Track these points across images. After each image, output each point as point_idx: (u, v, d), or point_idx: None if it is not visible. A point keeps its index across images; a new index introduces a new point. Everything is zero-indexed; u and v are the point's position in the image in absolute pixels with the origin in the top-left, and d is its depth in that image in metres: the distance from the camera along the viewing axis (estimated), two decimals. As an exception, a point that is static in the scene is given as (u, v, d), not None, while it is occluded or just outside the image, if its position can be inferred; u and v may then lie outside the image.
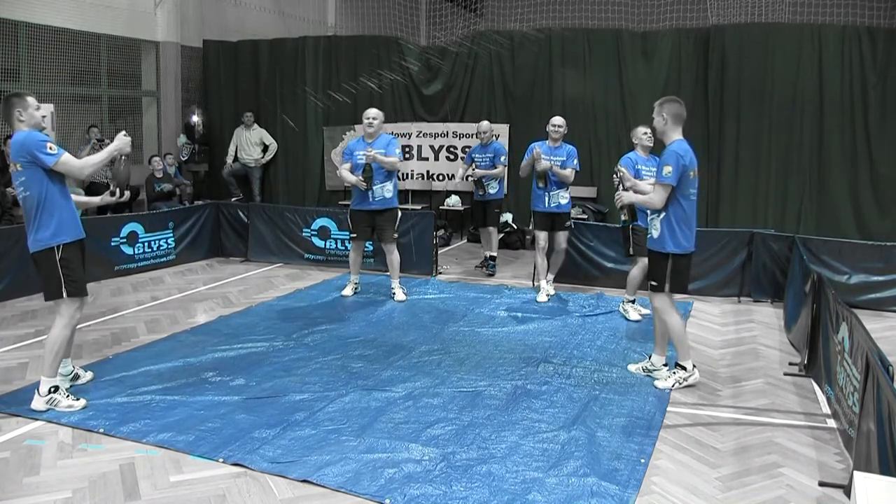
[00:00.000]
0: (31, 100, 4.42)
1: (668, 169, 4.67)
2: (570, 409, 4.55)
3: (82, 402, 4.46)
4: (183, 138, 11.63)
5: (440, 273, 8.43)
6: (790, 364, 5.50)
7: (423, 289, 7.68)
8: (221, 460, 3.83)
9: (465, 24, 12.23)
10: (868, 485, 2.36)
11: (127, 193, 4.97)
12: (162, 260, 8.69)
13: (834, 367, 4.51)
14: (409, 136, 11.23)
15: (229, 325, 6.35)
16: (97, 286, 7.49)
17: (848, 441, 3.96)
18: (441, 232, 10.14)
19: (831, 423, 4.42)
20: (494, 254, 8.52)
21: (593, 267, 7.94)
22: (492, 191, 8.28)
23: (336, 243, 8.71)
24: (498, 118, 10.43)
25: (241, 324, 6.38)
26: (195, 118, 11.75)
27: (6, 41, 9.23)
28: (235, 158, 11.63)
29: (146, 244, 8.49)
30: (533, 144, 7.20)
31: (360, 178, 6.92)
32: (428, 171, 11.27)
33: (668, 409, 4.61)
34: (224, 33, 12.25)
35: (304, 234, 8.87)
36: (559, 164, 7.05)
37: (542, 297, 7.24)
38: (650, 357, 5.26)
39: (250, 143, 11.56)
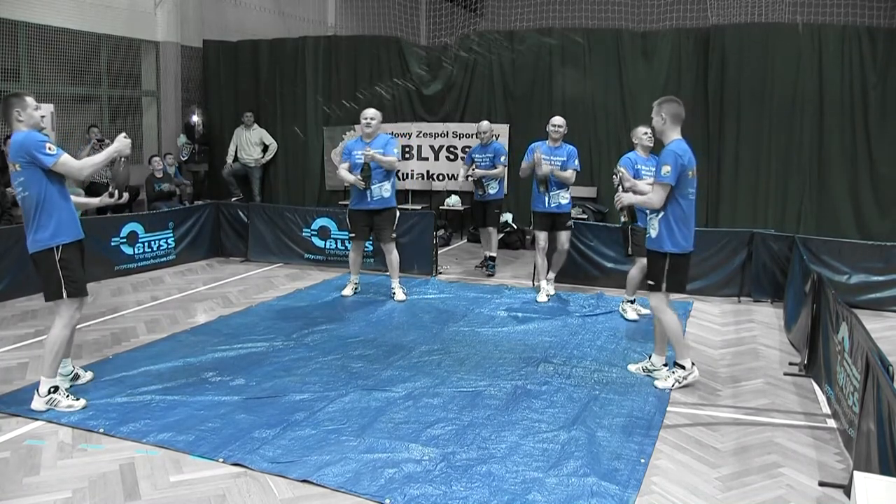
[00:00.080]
0: (29, 100, 4.41)
1: (666, 168, 4.68)
2: (570, 409, 4.55)
3: (82, 402, 4.46)
4: (183, 138, 11.64)
5: (440, 273, 8.43)
6: (790, 364, 5.50)
7: (423, 289, 7.68)
8: (221, 460, 3.83)
9: (465, 24, 12.23)
10: (868, 485, 2.36)
11: (125, 195, 4.97)
12: (162, 260, 8.69)
13: (834, 367, 4.51)
14: (409, 136, 11.23)
15: (229, 325, 6.35)
16: (97, 286, 7.49)
17: (848, 441, 3.96)
18: (441, 232, 10.14)
19: (831, 423, 4.42)
20: (494, 254, 8.52)
21: (593, 267, 7.94)
22: (492, 191, 8.28)
23: (336, 243, 8.71)
24: (498, 118, 10.43)
25: (241, 324, 6.38)
26: (195, 118, 11.75)
27: (6, 41, 9.23)
28: (235, 158, 11.63)
29: (146, 244, 8.49)
30: (533, 145, 7.20)
31: (359, 177, 6.92)
32: (428, 171, 11.27)
33: (668, 409, 4.61)
34: (224, 33, 12.25)
35: (304, 234, 8.87)
36: (559, 164, 7.05)
37: (542, 297, 7.24)
38: (650, 357, 5.26)
39: (250, 143, 11.56)
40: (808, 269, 5.81)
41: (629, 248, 6.53)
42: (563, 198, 7.15)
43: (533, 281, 7.85)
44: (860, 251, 7.14)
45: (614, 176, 5.57)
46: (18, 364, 5.29)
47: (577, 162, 7.14)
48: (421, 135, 11.20)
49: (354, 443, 4.03)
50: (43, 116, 4.64)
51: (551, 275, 7.45)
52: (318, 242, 8.80)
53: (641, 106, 8.74)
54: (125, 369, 5.15)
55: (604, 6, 10.86)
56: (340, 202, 10.82)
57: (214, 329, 6.22)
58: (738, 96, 9.49)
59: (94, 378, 4.93)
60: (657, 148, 5.33)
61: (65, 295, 4.44)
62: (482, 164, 8.24)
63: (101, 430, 4.16)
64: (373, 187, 6.99)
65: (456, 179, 10.92)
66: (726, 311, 7.09)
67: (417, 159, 11.26)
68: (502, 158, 8.31)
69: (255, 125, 11.58)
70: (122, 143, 4.63)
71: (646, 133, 6.24)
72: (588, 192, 10.21)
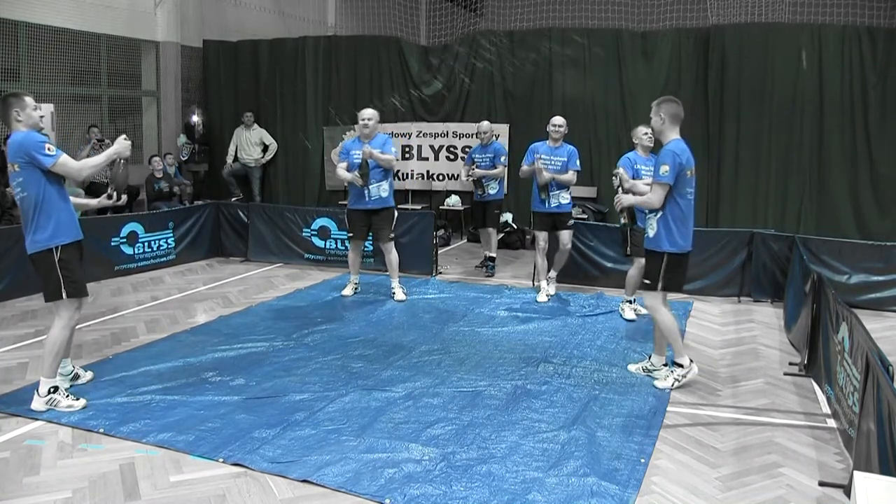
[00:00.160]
0: (28, 100, 4.40)
1: (664, 168, 4.68)
2: (570, 409, 4.55)
3: (82, 402, 4.46)
4: (183, 138, 11.64)
5: (440, 273, 8.43)
6: (790, 364, 5.50)
7: (423, 289, 7.68)
8: (221, 460, 3.83)
9: (465, 24, 12.23)
10: (868, 485, 2.36)
11: (124, 197, 4.95)
12: (162, 260, 8.69)
13: (834, 366, 4.50)
14: (409, 136, 11.23)
15: (229, 325, 6.35)
16: (97, 286, 7.49)
17: (848, 441, 3.96)
18: (441, 232, 10.14)
19: (831, 422, 4.42)
20: (493, 255, 8.52)
21: (593, 267, 7.94)
22: (491, 191, 8.28)
23: (336, 243, 8.71)
24: (498, 118, 10.43)
25: (241, 324, 6.38)
26: (195, 118, 11.75)
27: (6, 41, 9.23)
28: (235, 158, 11.63)
29: (146, 244, 8.49)
30: (533, 145, 7.20)
31: (357, 174, 6.93)
32: (428, 171, 11.27)
33: (668, 408, 4.61)
34: (224, 33, 12.25)
35: (304, 234, 8.87)
36: (560, 164, 7.05)
37: (542, 297, 7.24)
38: (650, 357, 5.26)
39: (250, 143, 11.56)
40: (808, 269, 5.81)
41: (627, 249, 6.54)
42: (564, 198, 7.15)
43: (533, 281, 7.85)
44: (860, 251, 7.14)
45: (614, 177, 5.57)
46: (18, 364, 5.29)
47: (577, 162, 7.14)
48: (421, 135, 11.20)
49: (354, 443, 4.03)
50: (42, 116, 4.63)
51: (553, 274, 7.46)
52: (318, 242, 8.80)
53: (641, 106, 8.73)
54: (125, 369, 5.15)
55: (604, 6, 10.86)
56: (340, 202, 10.81)
57: (214, 329, 6.22)
58: (738, 96, 9.48)
59: (94, 378, 4.93)
60: (657, 148, 5.33)
61: (64, 295, 4.43)
62: (482, 164, 8.23)
63: (101, 430, 4.16)
64: (371, 187, 7.00)
65: (456, 179, 10.93)
66: (726, 311, 7.09)
67: (417, 159, 11.26)
68: (502, 159, 8.30)
69: (255, 125, 11.58)
70: (122, 145, 4.62)
71: (646, 133, 6.23)
72: (588, 192, 10.20)
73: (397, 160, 7.24)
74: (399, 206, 7.39)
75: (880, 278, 7.01)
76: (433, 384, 4.94)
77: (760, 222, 9.16)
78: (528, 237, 9.91)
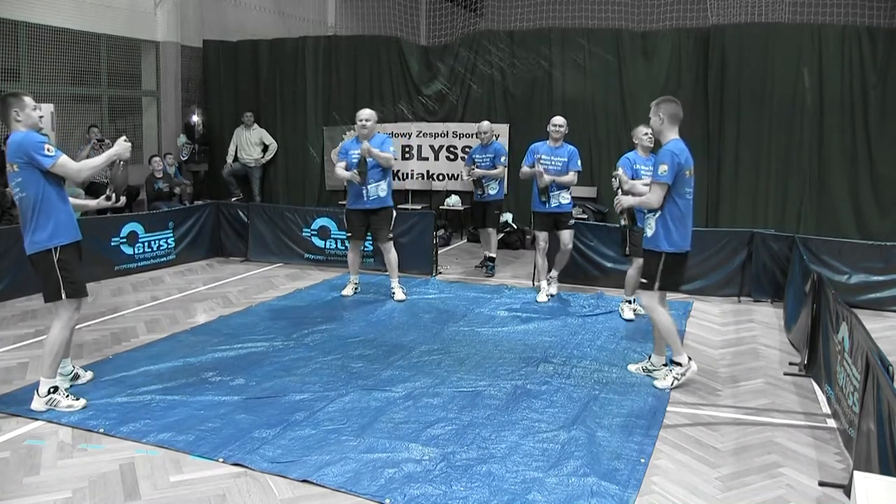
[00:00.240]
0: (28, 100, 4.39)
1: (663, 168, 4.68)
2: (570, 409, 4.55)
3: (82, 402, 4.46)
4: (183, 138, 11.64)
5: (440, 273, 8.43)
6: (790, 364, 5.50)
7: (423, 289, 7.68)
8: (221, 460, 3.83)
9: (465, 24, 12.22)
10: (868, 485, 2.36)
11: (123, 199, 4.95)
12: (162, 260, 8.69)
13: (834, 366, 4.51)
14: (409, 136, 11.23)
15: (229, 325, 6.35)
16: (97, 286, 7.49)
17: (848, 441, 3.96)
18: (441, 232, 10.14)
19: (831, 422, 4.42)
20: (493, 255, 8.52)
21: (593, 267, 7.94)
22: (491, 191, 8.28)
23: (336, 243, 8.71)
24: (498, 118, 10.43)
25: (241, 324, 6.38)
26: (195, 118, 11.75)
27: (6, 41, 9.23)
28: (235, 158, 11.63)
29: (146, 244, 8.49)
30: (534, 145, 7.20)
31: (355, 171, 6.94)
32: (428, 171, 11.27)
33: (668, 408, 4.61)
34: (224, 33, 12.25)
35: (304, 233, 8.87)
36: (561, 164, 7.05)
37: (542, 297, 7.24)
38: (650, 357, 5.26)
39: (250, 143, 11.56)
40: (808, 269, 5.81)
41: (626, 249, 6.54)
42: (564, 198, 7.15)
43: (533, 281, 7.85)
44: (860, 251, 7.14)
45: (613, 178, 5.57)
46: (18, 364, 5.29)
47: (578, 162, 7.14)
48: (421, 135, 11.20)
49: (354, 443, 4.03)
50: (42, 117, 4.62)
51: (554, 273, 7.46)
52: (318, 242, 8.81)
53: (641, 106, 8.72)
54: (125, 369, 5.15)
55: (604, 6, 10.86)
56: (340, 202, 10.79)
57: (214, 329, 6.22)
58: (738, 96, 9.48)
59: (94, 378, 4.93)
60: (656, 148, 5.33)
61: (63, 296, 4.43)
62: (482, 164, 8.23)
63: (101, 430, 4.16)
64: (369, 187, 7.00)
65: (456, 179, 10.93)
66: (726, 311, 7.08)
67: (417, 159, 11.26)
68: (502, 159, 8.30)
69: (255, 125, 11.58)
70: (122, 146, 4.62)
71: (646, 133, 6.23)
72: (588, 192, 10.20)
73: (396, 160, 7.22)
74: (399, 206, 7.40)
75: (880, 278, 7.01)
76: (433, 384, 4.94)
77: (760, 222, 9.16)
78: (528, 237, 9.91)
